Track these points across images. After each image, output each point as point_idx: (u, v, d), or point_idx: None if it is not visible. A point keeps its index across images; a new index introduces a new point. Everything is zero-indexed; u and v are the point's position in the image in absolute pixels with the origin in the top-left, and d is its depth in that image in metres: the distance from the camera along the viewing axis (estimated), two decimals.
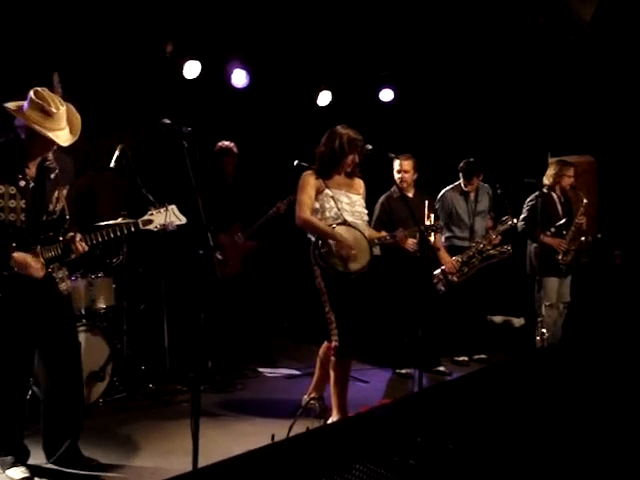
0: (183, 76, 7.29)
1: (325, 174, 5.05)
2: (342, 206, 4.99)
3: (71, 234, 4.13)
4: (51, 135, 3.95)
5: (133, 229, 4.23)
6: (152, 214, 4.26)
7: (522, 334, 8.12)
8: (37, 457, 4.31)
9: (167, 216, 4.27)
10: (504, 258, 6.94)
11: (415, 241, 6.13)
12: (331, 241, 4.90)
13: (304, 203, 4.98)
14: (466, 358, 7.31)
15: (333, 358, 4.96)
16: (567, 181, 6.95)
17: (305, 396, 5.44)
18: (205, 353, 6.46)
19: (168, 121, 4.08)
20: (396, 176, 6.56)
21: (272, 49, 7.60)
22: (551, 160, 7.90)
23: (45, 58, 6.36)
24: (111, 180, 6.80)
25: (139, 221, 4.24)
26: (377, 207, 6.72)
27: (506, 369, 3.11)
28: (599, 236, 7.56)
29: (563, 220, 6.87)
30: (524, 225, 6.97)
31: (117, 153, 5.79)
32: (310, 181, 5.02)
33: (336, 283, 4.89)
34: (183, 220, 4.38)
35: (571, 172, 6.97)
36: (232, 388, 6.29)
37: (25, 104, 3.99)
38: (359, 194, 5.18)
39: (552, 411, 3.15)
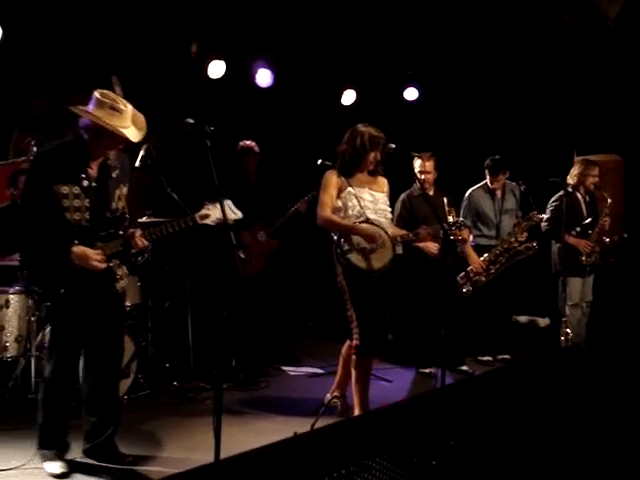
0: (208, 76, 7.34)
1: (347, 172, 5.06)
2: (365, 204, 4.99)
3: (131, 230, 4.24)
4: (124, 132, 4.07)
5: (191, 224, 4.29)
6: (209, 208, 4.30)
7: (547, 334, 8.07)
8: (73, 451, 4.37)
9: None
10: (530, 255, 6.87)
11: (438, 246, 6.14)
12: (355, 237, 4.90)
13: (325, 202, 5.00)
14: (490, 358, 7.28)
15: (354, 356, 4.98)
16: (591, 180, 6.90)
17: (328, 394, 5.45)
18: (229, 351, 6.50)
19: (192, 121, 4.12)
20: (417, 176, 6.55)
21: (296, 48, 7.62)
22: (576, 159, 7.85)
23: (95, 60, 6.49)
24: (136, 179, 6.85)
25: (196, 216, 4.30)
26: (398, 205, 6.70)
27: (523, 368, 3.11)
28: (625, 235, 7.49)
29: (588, 220, 6.82)
30: (548, 225, 6.93)
31: (142, 152, 5.84)
32: (332, 180, 5.04)
33: (358, 281, 4.90)
34: (239, 215, 4.42)
35: (595, 171, 6.92)
36: (255, 386, 6.31)
37: (90, 106, 4.09)
38: (383, 192, 5.18)
39: (573, 410, 3.14)
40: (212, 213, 4.30)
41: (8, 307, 5.51)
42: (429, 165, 6.58)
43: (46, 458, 4.18)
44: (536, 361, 3.23)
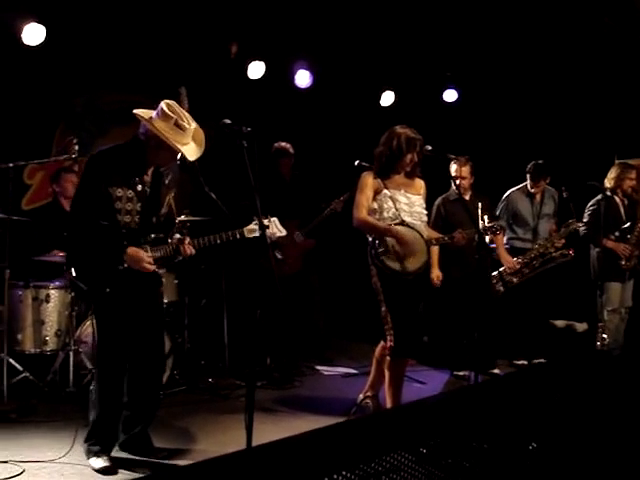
0: (248, 77, 7.40)
1: (384, 174, 5.06)
2: (400, 206, 5.00)
3: (178, 236, 4.31)
4: (183, 150, 4.13)
5: (239, 237, 4.32)
6: (257, 223, 4.25)
7: (584, 339, 7.98)
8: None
9: (270, 227, 4.33)
10: (565, 262, 6.83)
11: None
12: (389, 239, 4.91)
13: (361, 204, 5.01)
14: (525, 362, 7.23)
15: (388, 358, 4.99)
16: (628, 184, 6.81)
17: (360, 395, 5.47)
18: (263, 349, 6.56)
19: (229, 121, 4.16)
20: (453, 180, 6.51)
21: (336, 50, 7.64)
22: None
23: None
24: (175, 177, 6.94)
25: (245, 230, 4.31)
26: (433, 209, 6.68)
27: (548, 371, 3.09)
28: None
29: (628, 224, 6.75)
30: (586, 230, 6.86)
31: (200, 154, 5.91)
32: (368, 181, 5.05)
33: (392, 283, 4.91)
34: (284, 232, 4.48)
35: (633, 175, 6.84)
36: (289, 385, 6.37)
37: (154, 114, 4.13)
38: (419, 194, 5.17)
39: (602, 415, 3.12)
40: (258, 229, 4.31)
41: (48, 302, 5.64)
42: (465, 170, 6.56)
43: (91, 453, 4.23)
44: (562, 364, 3.22)
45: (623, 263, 6.74)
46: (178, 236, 4.32)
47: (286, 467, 1.92)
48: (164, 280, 4.52)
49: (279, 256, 6.71)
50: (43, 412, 5.17)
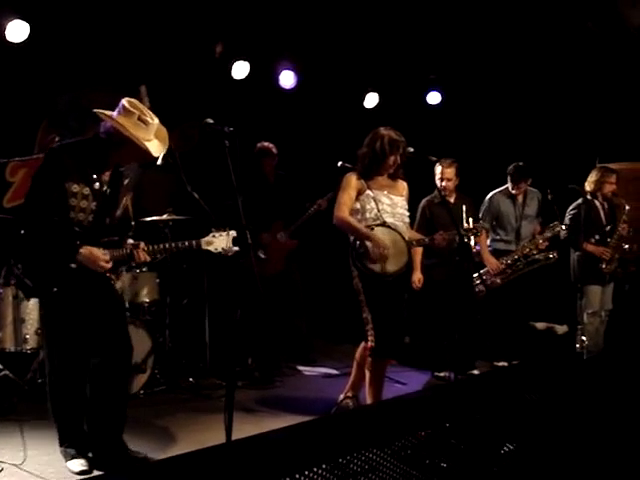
0: (232, 77, 7.40)
1: (367, 175, 5.07)
2: (383, 207, 5.02)
3: (132, 241, 4.24)
4: (147, 145, 4.06)
5: (195, 248, 4.26)
6: (214, 236, 4.25)
7: (564, 342, 8.03)
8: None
9: (227, 241, 4.28)
10: (549, 264, 6.87)
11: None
12: (367, 242, 4.94)
13: (343, 203, 5.03)
14: (506, 363, 7.26)
15: (369, 358, 5.01)
16: (608, 188, 6.85)
17: (341, 395, 5.49)
18: (244, 349, 6.56)
19: (211, 121, 4.18)
20: (437, 182, 6.55)
21: (321, 51, 7.66)
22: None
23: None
24: (158, 177, 6.93)
25: (202, 241, 4.25)
26: (418, 212, 6.70)
27: (520, 372, 3.12)
28: None
29: (608, 228, 6.80)
30: (567, 233, 6.90)
31: (164, 151, 5.91)
32: (352, 182, 5.06)
33: (373, 284, 4.93)
34: (234, 249, 4.33)
35: (613, 179, 6.88)
36: (270, 385, 6.37)
37: (115, 112, 4.08)
38: (401, 196, 5.19)
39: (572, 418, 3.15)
40: (216, 242, 4.26)
41: (29, 300, 5.60)
42: (449, 172, 6.56)
43: (68, 456, 4.20)
44: (536, 365, 3.25)
45: (604, 266, 6.79)
46: (131, 241, 4.25)
47: (262, 462, 1.93)
48: (122, 283, 4.45)
49: (262, 256, 6.72)
50: (23, 410, 5.15)
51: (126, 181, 4.27)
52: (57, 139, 5.95)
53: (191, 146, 7.45)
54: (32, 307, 5.58)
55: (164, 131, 4.26)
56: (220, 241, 4.27)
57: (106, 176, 4.17)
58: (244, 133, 4.17)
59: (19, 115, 6.63)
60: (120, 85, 6.94)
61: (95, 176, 4.11)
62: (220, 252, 4.26)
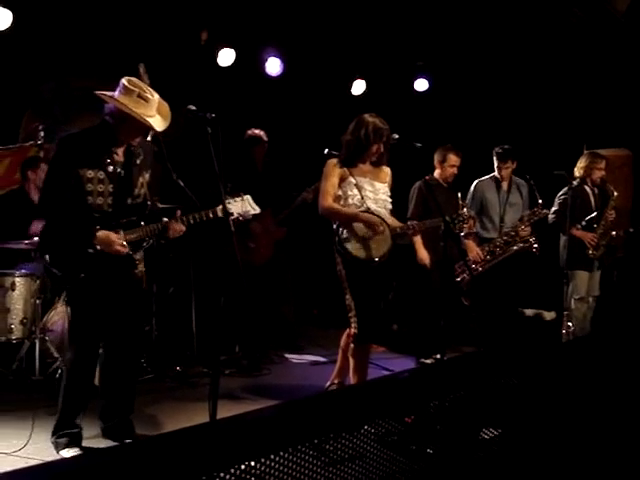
0: (218, 64, 7.37)
1: (350, 162, 5.05)
2: (365, 194, 5.00)
3: (165, 219, 4.26)
4: (149, 120, 4.09)
5: (212, 216, 4.28)
6: (229, 203, 4.27)
7: (552, 328, 8.06)
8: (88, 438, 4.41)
9: (243, 205, 4.33)
10: (528, 249, 6.85)
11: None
12: (356, 224, 4.92)
13: (326, 191, 5.01)
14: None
15: (352, 345, 5.00)
16: (597, 174, 6.85)
17: (328, 382, 5.49)
18: (230, 337, 6.56)
19: (193, 107, 4.16)
20: (447, 169, 6.70)
21: (307, 38, 7.65)
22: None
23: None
24: (147, 158, 6.90)
25: (217, 209, 4.26)
26: (414, 193, 6.72)
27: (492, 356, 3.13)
28: (631, 230, 7.44)
29: (594, 214, 6.80)
30: (555, 218, 6.90)
31: (149, 139, 5.89)
32: (333, 169, 5.04)
33: (356, 270, 4.92)
34: (257, 210, 4.45)
35: (602, 164, 6.88)
36: (257, 373, 6.37)
37: (116, 92, 4.10)
38: (384, 182, 5.17)
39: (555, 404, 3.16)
40: (232, 208, 4.28)
41: (14, 290, 5.59)
42: (458, 160, 6.78)
43: (60, 446, 4.19)
44: (516, 349, 3.26)
45: (590, 252, 6.80)
46: (166, 219, 4.28)
47: (245, 440, 1.94)
48: (143, 267, 4.45)
49: (251, 245, 6.72)
50: (8, 401, 5.13)
51: (139, 160, 4.28)
52: (40, 127, 5.90)
53: (178, 134, 7.40)
54: (17, 297, 5.58)
55: (166, 106, 4.29)
56: (235, 207, 4.30)
57: (119, 157, 4.19)
58: (230, 121, 4.15)
59: (3, 104, 6.60)
60: (104, 72, 6.91)
61: (108, 160, 4.14)
62: (236, 218, 4.28)
